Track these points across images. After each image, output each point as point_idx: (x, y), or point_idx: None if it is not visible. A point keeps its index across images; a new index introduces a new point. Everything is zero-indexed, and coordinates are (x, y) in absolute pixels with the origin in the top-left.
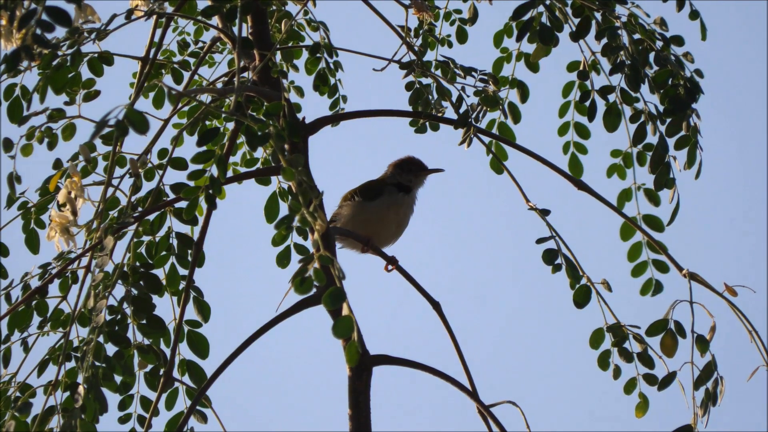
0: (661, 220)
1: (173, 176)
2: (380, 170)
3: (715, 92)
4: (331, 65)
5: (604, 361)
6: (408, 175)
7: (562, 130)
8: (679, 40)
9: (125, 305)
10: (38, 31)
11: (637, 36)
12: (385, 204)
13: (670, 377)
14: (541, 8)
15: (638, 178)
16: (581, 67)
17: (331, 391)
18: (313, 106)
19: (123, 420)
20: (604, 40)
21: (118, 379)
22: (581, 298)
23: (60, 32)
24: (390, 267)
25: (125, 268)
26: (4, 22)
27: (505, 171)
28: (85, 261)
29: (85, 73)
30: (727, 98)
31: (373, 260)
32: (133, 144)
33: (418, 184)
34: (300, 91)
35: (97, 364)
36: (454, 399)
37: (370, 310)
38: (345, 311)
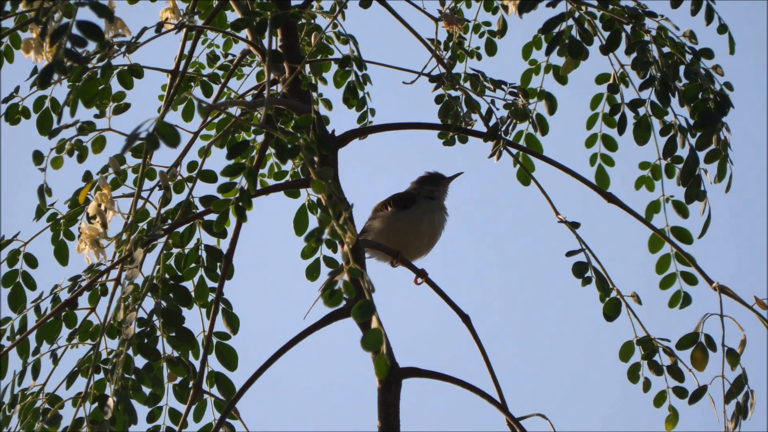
0: (689, 232)
1: (203, 189)
2: (408, 183)
3: (745, 104)
4: (360, 78)
5: (633, 374)
6: (430, 186)
7: (590, 142)
8: (708, 53)
9: (154, 317)
10: (69, 46)
11: (666, 49)
12: (420, 212)
13: (701, 391)
14: (570, 21)
15: (666, 191)
16: (611, 80)
17: (361, 403)
18: (342, 119)
19: None
20: (634, 54)
21: (147, 391)
22: (611, 311)
23: (91, 46)
24: (419, 280)
25: (155, 281)
26: (35, 36)
27: (532, 182)
28: (114, 273)
29: (115, 86)
30: (757, 109)
31: (403, 273)
32: (163, 157)
33: (442, 194)
34: (329, 104)
35: (126, 376)
36: (483, 411)
37: (400, 322)
38: (374, 324)
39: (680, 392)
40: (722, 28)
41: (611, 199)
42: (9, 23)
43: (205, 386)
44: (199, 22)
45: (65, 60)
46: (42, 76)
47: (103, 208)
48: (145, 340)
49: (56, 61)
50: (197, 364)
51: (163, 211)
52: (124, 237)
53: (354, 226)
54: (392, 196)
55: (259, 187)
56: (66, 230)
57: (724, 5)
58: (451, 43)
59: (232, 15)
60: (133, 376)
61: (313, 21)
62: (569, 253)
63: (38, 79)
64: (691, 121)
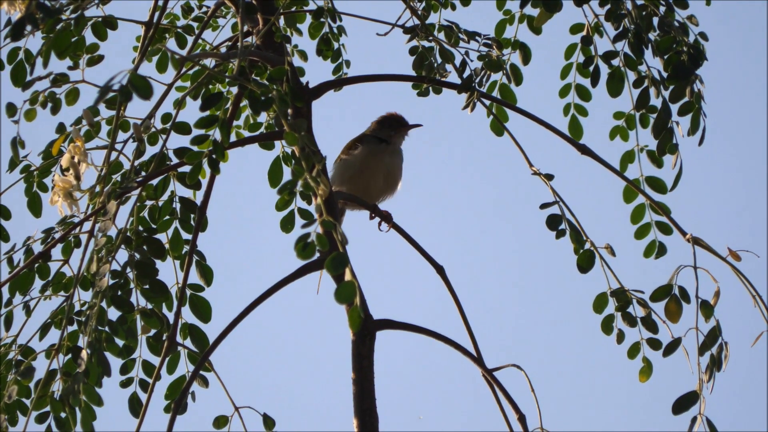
0: (663, 181)
1: (177, 141)
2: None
3: (719, 58)
4: (335, 30)
5: (607, 326)
6: (388, 130)
7: (563, 92)
8: (683, 3)
9: (128, 270)
10: None
11: (640, 1)
12: (363, 153)
13: (675, 343)
14: None
15: (641, 140)
16: (585, 32)
17: (336, 355)
18: (318, 71)
19: (125, 384)
20: (608, 6)
21: (120, 343)
22: (585, 262)
23: None
24: (384, 226)
25: (128, 233)
26: None
27: (506, 134)
28: (88, 225)
29: (89, 37)
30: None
31: (376, 224)
32: (137, 108)
33: (398, 138)
34: (303, 55)
35: (99, 328)
36: (458, 364)
37: (375, 275)
38: (348, 276)
39: (654, 344)
40: None
41: (585, 150)
42: None
43: (179, 338)
44: None
45: (37, 12)
46: (14, 29)
47: (76, 160)
48: (119, 292)
49: (28, 14)
50: (171, 316)
51: (136, 163)
52: (97, 189)
53: (327, 178)
54: (346, 144)
55: (233, 139)
56: (39, 182)
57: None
58: None
59: None
60: (106, 328)
61: None
62: (543, 206)
63: (11, 31)
64: (665, 74)
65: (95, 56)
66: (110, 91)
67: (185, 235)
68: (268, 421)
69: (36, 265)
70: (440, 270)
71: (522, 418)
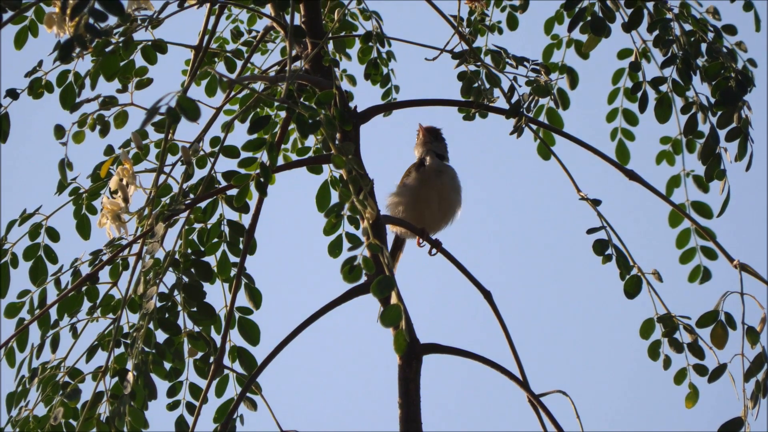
0: (709, 206)
1: (225, 164)
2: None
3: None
4: (384, 54)
5: (654, 352)
6: (443, 142)
7: (611, 117)
8: (731, 30)
9: (176, 292)
10: (91, 21)
11: (688, 27)
12: (421, 176)
13: (721, 369)
14: None
15: (687, 165)
16: (633, 58)
17: (382, 379)
18: (368, 97)
19: (172, 407)
20: (656, 32)
21: (167, 365)
22: (632, 288)
23: (112, 20)
24: (434, 251)
25: (176, 256)
26: (57, 10)
27: (553, 158)
28: (136, 248)
29: (139, 60)
30: None
31: (423, 250)
32: (185, 132)
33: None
34: (352, 80)
35: (146, 350)
36: (504, 388)
37: (422, 299)
38: (394, 299)
39: (700, 370)
40: (747, 5)
41: (632, 176)
42: None
43: (226, 361)
44: None
45: (85, 34)
46: (62, 50)
47: (124, 182)
48: (166, 315)
49: (77, 36)
50: (219, 338)
51: (185, 186)
52: (146, 212)
53: (375, 201)
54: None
55: (282, 162)
56: (88, 204)
57: None
58: (473, 17)
59: None
60: (153, 351)
61: None
62: (590, 231)
63: (60, 52)
64: (712, 100)
65: (144, 79)
66: (158, 113)
67: (233, 258)
68: None
69: (84, 287)
70: (487, 295)
71: None
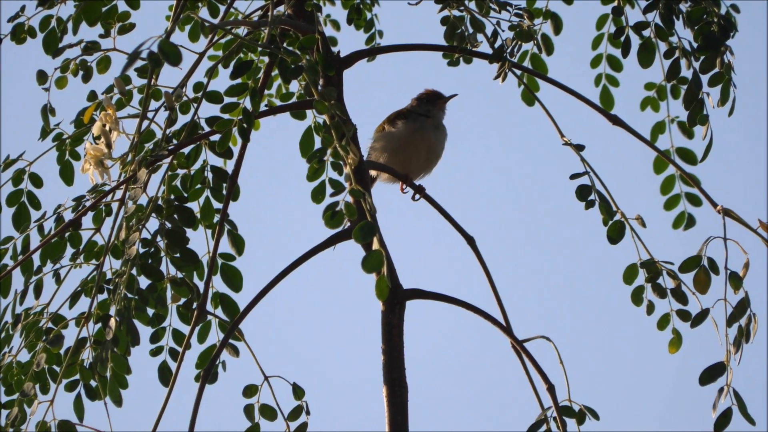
0: (694, 153)
1: (209, 110)
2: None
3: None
4: (367, 0)
5: (637, 297)
6: (426, 105)
7: (595, 63)
8: None
9: (159, 238)
10: None
11: None
12: (408, 127)
13: (704, 314)
14: None
15: (671, 112)
16: (616, 2)
17: (365, 326)
18: (352, 43)
19: (155, 352)
20: None
21: (150, 311)
22: (615, 233)
23: None
24: (417, 196)
25: (159, 201)
26: None
27: (537, 104)
28: (119, 194)
29: (121, 5)
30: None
31: (405, 195)
32: (169, 77)
33: (437, 113)
34: (336, 25)
35: (129, 296)
36: (487, 334)
37: (405, 245)
38: (376, 245)
39: (684, 315)
40: None
41: (616, 121)
42: None
43: (209, 307)
44: None
45: None
46: None
47: (107, 128)
48: (149, 261)
49: None
50: (201, 285)
51: (168, 131)
52: (129, 157)
53: (358, 147)
54: (389, 116)
55: (265, 107)
56: (72, 150)
57: None
58: None
59: None
60: (136, 296)
61: None
62: (573, 176)
63: None
64: (695, 45)
65: (127, 24)
66: (139, 58)
67: (216, 204)
68: (298, 391)
69: (67, 233)
70: (471, 241)
71: (551, 389)
